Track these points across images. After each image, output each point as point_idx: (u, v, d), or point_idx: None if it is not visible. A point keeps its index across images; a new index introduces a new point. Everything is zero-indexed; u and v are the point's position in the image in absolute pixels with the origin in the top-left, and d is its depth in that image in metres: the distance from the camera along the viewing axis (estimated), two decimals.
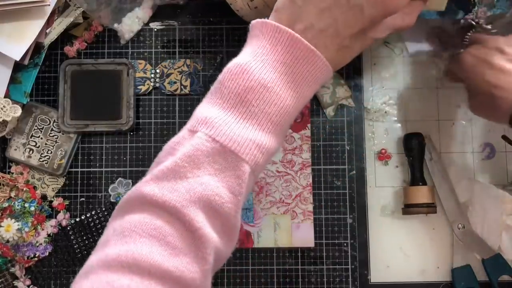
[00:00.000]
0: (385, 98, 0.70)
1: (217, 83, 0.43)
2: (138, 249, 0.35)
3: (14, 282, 0.67)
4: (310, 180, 0.68)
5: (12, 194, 0.68)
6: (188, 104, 0.70)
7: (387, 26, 0.46)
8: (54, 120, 0.69)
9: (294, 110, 0.43)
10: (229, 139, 0.39)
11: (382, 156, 0.69)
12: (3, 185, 0.68)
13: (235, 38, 0.71)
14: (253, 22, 0.44)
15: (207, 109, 0.41)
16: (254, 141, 0.40)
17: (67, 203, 0.69)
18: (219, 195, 0.39)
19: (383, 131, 0.69)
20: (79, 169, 0.69)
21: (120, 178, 0.69)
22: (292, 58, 0.42)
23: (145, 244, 0.36)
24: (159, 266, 0.35)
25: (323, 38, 0.43)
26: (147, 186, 0.39)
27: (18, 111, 0.65)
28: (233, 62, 0.43)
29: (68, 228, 0.68)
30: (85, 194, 0.69)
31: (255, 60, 0.42)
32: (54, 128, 0.69)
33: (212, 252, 0.38)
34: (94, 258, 0.37)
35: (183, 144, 0.40)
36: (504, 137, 0.67)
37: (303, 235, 0.67)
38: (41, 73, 0.70)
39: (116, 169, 0.69)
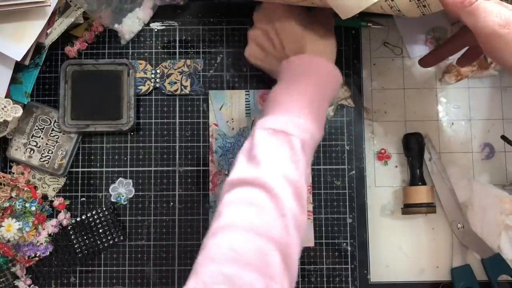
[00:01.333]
0: (385, 98, 0.70)
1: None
2: (237, 216, 0.46)
3: (15, 282, 0.67)
4: (310, 180, 0.68)
5: (13, 194, 0.68)
6: (188, 104, 0.70)
7: None
8: (55, 120, 0.69)
9: (318, 100, 0.55)
10: (276, 125, 0.51)
11: (382, 156, 0.69)
12: (4, 185, 0.68)
13: (235, 38, 0.71)
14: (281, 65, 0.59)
15: (260, 118, 0.54)
16: (294, 122, 0.52)
17: (68, 203, 0.69)
18: (286, 166, 0.49)
19: (382, 131, 0.70)
20: (80, 169, 0.70)
21: (120, 178, 0.69)
22: (305, 72, 0.56)
23: (240, 210, 0.47)
24: (254, 224, 0.45)
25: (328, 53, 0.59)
26: (234, 172, 0.50)
27: (19, 111, 0.65)
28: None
29: (69, 228, 0.68)
30: (85, 194, 0.69)
31: (284, 83, 0.57)
32: (54, 128, 0.69)
33: (289, 213, 0.46)
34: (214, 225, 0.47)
35: (249, 140, 0.53)
36: (503, 137, 0.67)
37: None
38: (42, 73, 0.70)
39: (116, 169, 0.70)
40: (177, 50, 0.71)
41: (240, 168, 0.50)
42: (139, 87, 0.70)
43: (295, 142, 0.50)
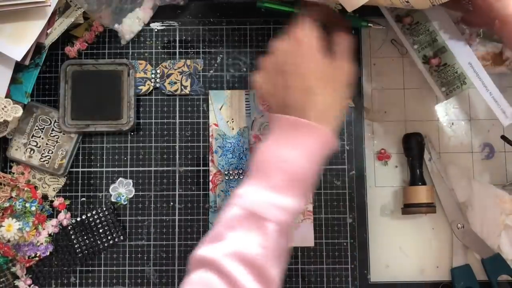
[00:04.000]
0: (385, 98, 0.70)
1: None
2: None
3: (15, 282, 0.67)
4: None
5: (13, 194, 0.68)
6: (188, 104, 0.70)
7: None
8: (55, 120, 0.69)
9: (307, 172, 0.51)
10: (253, 205, 0.49)
11: (382, 156, 0.69)
12: (4, 185, 0.68)
13: (235, 39, 0.71)
14: (270, 116, 0.55)
15: (241, 186, 0.52)
16: (274, 204, 0.49)
17: (68, 203, 0.69)
18: (250, 249, 0.47)
19: (382, 131, 0.70)
20: (80, 169, 0.70)
21: (120, 178, 0.69)
22: (290, 131, 0.52)
23: None
24: None
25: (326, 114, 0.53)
26: (200, 249, 0.49)
27: (19, 111, 0.65)
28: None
29: (69, 228, 0.68)
30: (85, 194, 0.69)
31: (270, 141, 0.53)
32: (55, 128, 0.69)
33: None
34: None
35: (223, 215, 0.51)
36: (503, 137, 0.67)
37: (303, 235, 0.67)
38: (42, 74, 0.70)
39: (116, 169, 0.70)
40: (177, 50, 0.71)
41: (206, 243, 0.49)
42: (139, 87, 0.70)
43: (270, 227, 0.48)
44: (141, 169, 0.70)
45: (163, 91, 0.70)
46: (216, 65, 0.71)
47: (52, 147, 0.69)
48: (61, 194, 0.69)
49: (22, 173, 0.69)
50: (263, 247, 0.48)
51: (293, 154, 0.51)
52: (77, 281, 0.68)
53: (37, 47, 0.67)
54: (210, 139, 0.69)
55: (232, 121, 0.69)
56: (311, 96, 0.52)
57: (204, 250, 0.49)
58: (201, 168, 0.69)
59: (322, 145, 0.52)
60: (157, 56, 0.71)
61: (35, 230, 0.67)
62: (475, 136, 0.69)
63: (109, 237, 0.68)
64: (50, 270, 0.68)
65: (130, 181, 0.69)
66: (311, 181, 0.53)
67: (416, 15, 0.65)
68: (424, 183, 0.66)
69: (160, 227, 0.68)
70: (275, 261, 0.49)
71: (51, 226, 0.68)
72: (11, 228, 0.64)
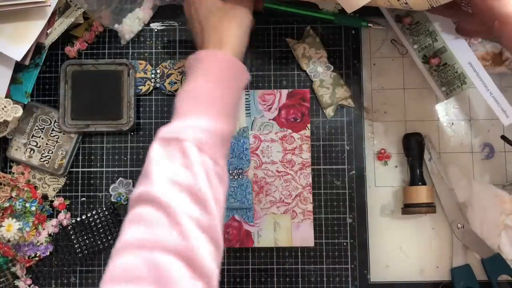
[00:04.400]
0: (385, 98, 0.70)
1: None
2: (128, 235, 0.46)
3: (15, 282, 0.67)
4: (310, 180, 0.68)
5: (13, 194, 0.68)
6: None
7: None
8: (55, 120, 0.69)
9: (219, 95, 0.53)
10: (169, 132, 0.51)
11: (382, 156, 0.69)
12: (4, 185, 0.68)
13: None
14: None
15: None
16: (188, 125, 0.51)
17: (68, 203, 0.69)
18: (176, 173, 0.48)
19: (382, 131, 0.70)
20: (80, 169, 0.70)
21: (120, 178, 0.69)
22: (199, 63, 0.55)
23: (131, 230, 0.47)
24: (143, 239, 0.45)
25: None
26: (134, 191, 0.50)
27: (19, 111, 0.65)
28: None
29: (69, 228, 0.68)
30: (85, 194, 0.69)
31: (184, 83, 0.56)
32: (55, 128, 0.69)
33: (184, 218, 0.46)
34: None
35: (147, 156, 0.52)
36: (503, 137, 0.67)
37: (303, 235, 0.67)
38: (42, 74, 0.70)
39: (116, 169, 0.70)
40: (177, 50, 0.71)
41: (136, 186, 0.50)
42: (139, 87, 0.70)
43: (188, 146, 0.49)
44: (141, 169, 0.69)
45: (163, 91, 0.70)
46: None
47: (52, 147, 0.69)
48: (61, 194, 0.69)
49: (22, 173, 0.69)
50: (187, 168, 0.48)
51: (197, 82, 0.54)
52: (77, 281, 0.68)
53: (37, 47, 0.67)
54: None
55: None
56: (205, 32, 0.58)
57: (137, 190, 0.49)
58: None
59: (221, 66, 0.55)
60: (157, 56, 0.71)
61: (35, 230, 0.67)
62: (475, 136, 0.69)
63: (109, 237, 0.68)
64: (50, 270, 0.68)
65: (130, 181, 0.69)
66: (223, 100, 0.54)
67: (416, 15, 0.65)
68: (424, 183, 0.66)
69: None
70: (206, 181, 0.49)
71: (51, 226, 0.68)
72: (11, 228, 0.64)
